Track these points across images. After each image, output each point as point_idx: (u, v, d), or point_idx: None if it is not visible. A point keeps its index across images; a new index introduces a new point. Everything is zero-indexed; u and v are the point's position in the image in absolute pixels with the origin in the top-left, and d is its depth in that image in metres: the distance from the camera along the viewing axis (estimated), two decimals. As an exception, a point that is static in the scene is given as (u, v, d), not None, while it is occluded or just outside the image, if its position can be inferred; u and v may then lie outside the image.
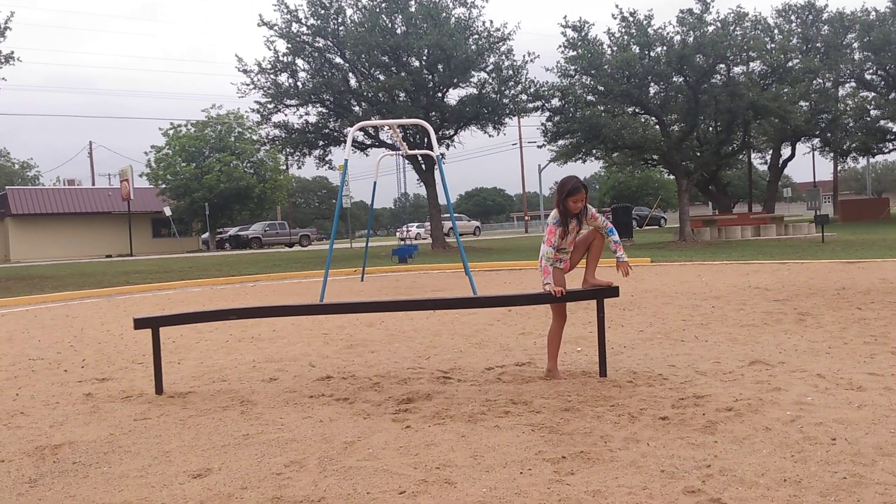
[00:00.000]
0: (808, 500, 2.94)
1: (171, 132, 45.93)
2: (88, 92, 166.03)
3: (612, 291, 5.31)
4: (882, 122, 37.43)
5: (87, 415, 4.85)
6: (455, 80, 27.27)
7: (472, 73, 27.47)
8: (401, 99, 27.00)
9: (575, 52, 25.48)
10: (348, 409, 4.68)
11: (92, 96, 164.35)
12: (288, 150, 29.82)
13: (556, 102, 27.11)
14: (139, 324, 5.52)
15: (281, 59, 27.44)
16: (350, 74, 28.38)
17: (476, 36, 27.45)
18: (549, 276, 5.15)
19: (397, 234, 35.45)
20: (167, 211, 44.79)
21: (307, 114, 28.71)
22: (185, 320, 6.02)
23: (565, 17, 25.59)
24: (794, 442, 3.64)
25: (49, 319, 10.62)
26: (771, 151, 41.26)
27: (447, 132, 28.64)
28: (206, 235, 47.64)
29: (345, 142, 18.70)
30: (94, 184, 58.62)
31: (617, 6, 25.30)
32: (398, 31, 26.87)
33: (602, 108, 25.80)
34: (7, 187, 49.49)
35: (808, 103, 34.21)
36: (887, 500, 2.89)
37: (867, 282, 10.68)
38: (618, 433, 3.91)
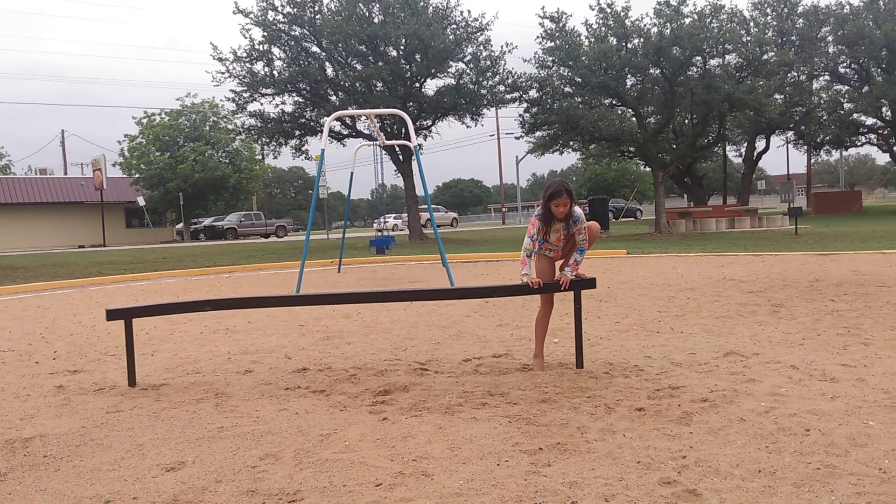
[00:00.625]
0: (783, 490, 2.96)
1: (144, 121, 45.35)
2: (61, 80, 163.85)
3: (589, 283, 5.32)
4: (855, 116, 37.91)
5: (59, 407, 4.78)
6: (433, 71, 27.15)
7: (450, 63, 27.37)
8: (378, 89, 26.85)
9: (553, 44, 25.49)
10: (324, 402, 4.65)
11: (65, 84, 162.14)
12: (264, 139, 29.55)
13: (533, 94, 27.14)
14: (112, 315, 5.45)
15: (257, 47, 27.15)
16: (327, 63, 28.17)
17: (454, 26, 27.32)
18: (527, 268, 5.19)
19: (374, 225, 35.38)
20: (141, 201, 44.23)
21: (283, 103, 28.50)
22: (158, 311, 5.95)
23: (543, 8, 25.50)
24: (769, 433, 3.67)
25: (20, 310, 10.46)
26: (745, 144, 41.70)
27: (425, 123, 28.54)
28: (180, 226, 47.15)
29: (321, 132, 18.55)
30: (66, 173, 57.73)
31: (595, -3, 25.34)
32: (375, 20, 26.69)
33: (579, 100, 25.85)
34: (-23, 177, 48.67)
35: (782, 96, 34.56)
36: (860, 491, 2.92)
37: (840, 274, 10.81)
38: (594, 424, 3.92)
